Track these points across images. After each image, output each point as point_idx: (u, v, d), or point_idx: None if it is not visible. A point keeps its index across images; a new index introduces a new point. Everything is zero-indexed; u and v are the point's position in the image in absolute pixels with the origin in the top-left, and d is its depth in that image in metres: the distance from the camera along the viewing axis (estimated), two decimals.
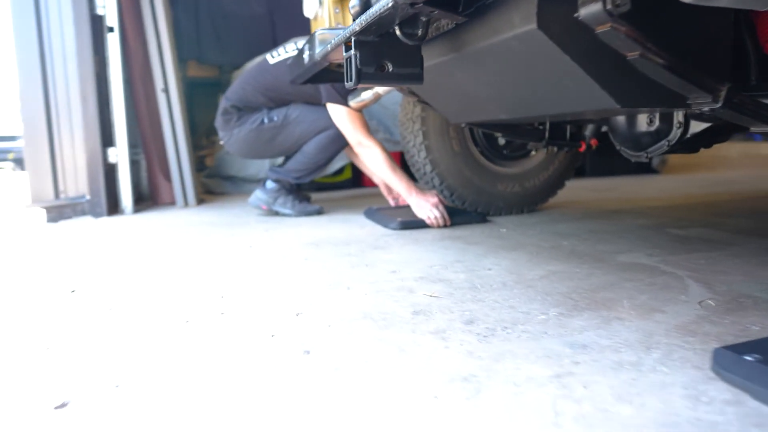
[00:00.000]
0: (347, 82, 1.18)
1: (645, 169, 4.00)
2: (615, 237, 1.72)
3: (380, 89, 1.95)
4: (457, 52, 1.17)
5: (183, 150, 2.78)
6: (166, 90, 2.70)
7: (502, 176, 2.18)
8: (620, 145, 1.52)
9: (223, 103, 2.37)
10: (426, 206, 1.97)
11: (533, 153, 2.25)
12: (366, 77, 1.14)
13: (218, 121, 2.40)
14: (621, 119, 1.48)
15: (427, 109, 2.04)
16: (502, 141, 2.19)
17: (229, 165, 3.48)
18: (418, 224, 1.97)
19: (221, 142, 2.45)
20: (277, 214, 2.39)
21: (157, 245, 1.81)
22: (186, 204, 2.82)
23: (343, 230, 1.98)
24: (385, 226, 2.00)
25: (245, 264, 1.49)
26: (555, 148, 2.03)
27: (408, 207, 2.29)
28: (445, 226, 1.97)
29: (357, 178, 3.70)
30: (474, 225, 2.02)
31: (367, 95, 2.04)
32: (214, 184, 3.51)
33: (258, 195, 2.38)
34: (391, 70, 1.15)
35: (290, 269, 1.41)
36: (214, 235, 1.95)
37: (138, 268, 1.47)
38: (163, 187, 2.86)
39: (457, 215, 2.03)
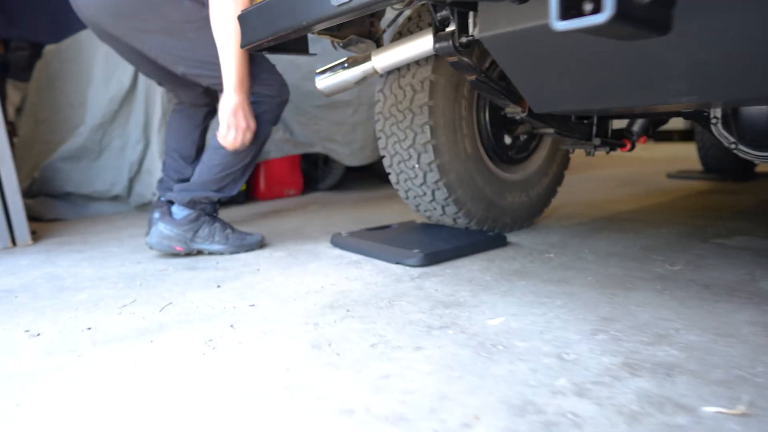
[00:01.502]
0: (559, 19, 0.62)
1: None
2: (690, 256, 1.41)
3: (380, 63, 1.34)
4: None
5: (5, 155, 1.72)
6: None
7: (510, 184, 1.74)
8: (743, 141, 1.19)
9: None
10: (242, 125, 1.48)
11: (535, 153, 1.86)
12: (624, 10, 0.60)
13: None
14: (759, 110, 1.16)
15: (437, 95, 1.49)
16: (508, 140, 1.74)
17: (65, 177, 2.39)
18: (447, 254, 1.42)
19: None
20: (199, 253, 1.57)
21: (27, 345, 0.93)
22: (13, 243, 1.76)
23: (345, 275, 1.32)
24: (400, 261, 1.39)
25: (273, 379, 0.77)
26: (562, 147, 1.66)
27: (392, 229, 1.70)
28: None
29: (250, 190, 2.90)
30: (501, 250, 1.54)
31: (350, 74, 1.40)
32: (40, 206, 2.37)
33: (164, 232, 1.52)
34: (644, 1, 0.63)
35: (380, 373, 0.75)
36: (132, 308, 1.12)
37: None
38: None
39: (479, 240, 1.52)
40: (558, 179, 1.95)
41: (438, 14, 1.09)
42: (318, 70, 1.46)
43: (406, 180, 1.65)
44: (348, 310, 1.04)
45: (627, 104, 0.99)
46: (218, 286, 1.23)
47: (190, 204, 1.56)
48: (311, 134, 2.89)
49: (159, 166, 2.41)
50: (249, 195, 2.92)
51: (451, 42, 1.08)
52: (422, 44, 1.24)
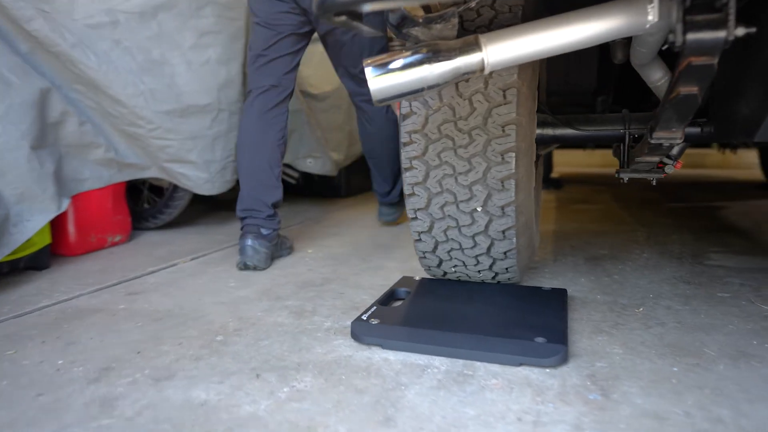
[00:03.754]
0: None
1: None
2: (740, 288, 1.34)
3: (501, 54, 0.85)
4: None
5: None
6: None
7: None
8: None
9: None
10: None
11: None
12: None
13: None
14: None
15: (522, 109, 1.05)
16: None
17: None
18: (562, 330, 1.00)
19: None
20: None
21: None
22: None
23: (514, 414, 0.77)
24: (528, 362, 0.91)
25: None
26: None
27: (419, 298, 1.19)
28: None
29: (54, 242, 1.79)
30: (574, 311, 1.20)
31: (436, 70, 0.85)
32: None
33: None
34: None
35: None
36: None
37: None
38: None
39: (561, 303, 1.15)
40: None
41: None
42: (371, 62, 0.85)
43: (446, 229, 1.15)
44: None
45: None
46: None
47: None
48: (146, 152, 1.98)
49: None
50: (58, 249, 1.81)
51: (726, 33, 0.68)
52: (605, 26, 0.80)
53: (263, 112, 1.74)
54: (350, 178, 3.38)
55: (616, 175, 1.35)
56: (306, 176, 3.27)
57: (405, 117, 1.09)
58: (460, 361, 0.95)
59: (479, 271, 1.24)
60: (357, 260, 1.73)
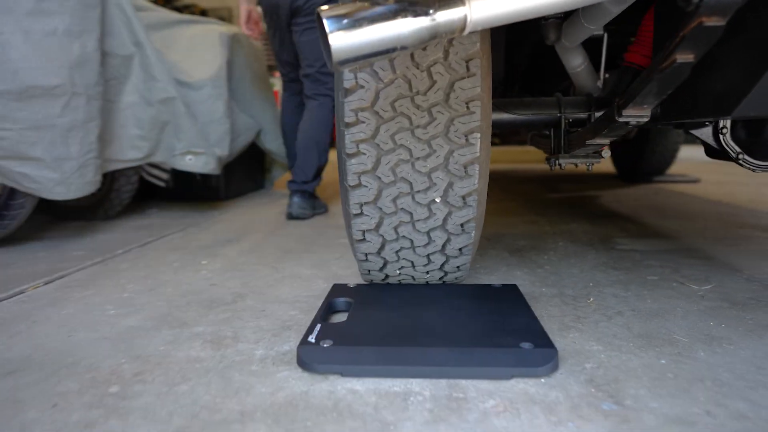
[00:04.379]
0: None
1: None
2: (666, 270, 1.38)
3: (489, 9, 0.71)
4: None
5: None
6: None
7: None
8: (748, 151, 1.21)
9: None
10: None
11: None
12: None
13: None
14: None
15: (484, 83, 0.92)
16: None
17: None
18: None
19: None
20: None
21: None
22: None
23: None
24: (520, 374, 0.79)
25: None
26: None
27: (363, 309, 1.02)
28: None
29: None
30: (536, 307, 1.12)
31: (411, 26, 0.69)
32: None
33: None
34: None
35: None
36: None
37: None
38: None
39: (521, 298, 1.06)
40: None
41: None
42: (329, 11, 0.66)
43: (397, 225, 0.98)
44: None
45: None
46: None
47: None
48: None
49: None
50: None
51: None
52: None
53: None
54: (230, 178, 3.03)
55: (549, 162, 1.30)
56: (177, 177, 2.86)
57: (349, 92, 0.89)
58: (443, 382, 0.79)
59: (428, 272, 1.09)
60: (266, 269, 1.48)
